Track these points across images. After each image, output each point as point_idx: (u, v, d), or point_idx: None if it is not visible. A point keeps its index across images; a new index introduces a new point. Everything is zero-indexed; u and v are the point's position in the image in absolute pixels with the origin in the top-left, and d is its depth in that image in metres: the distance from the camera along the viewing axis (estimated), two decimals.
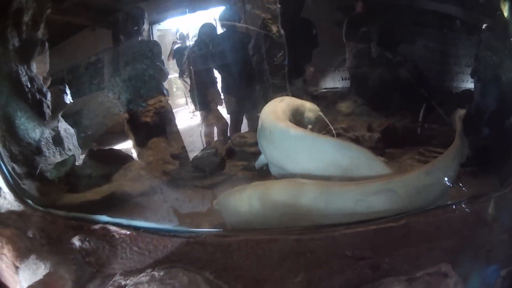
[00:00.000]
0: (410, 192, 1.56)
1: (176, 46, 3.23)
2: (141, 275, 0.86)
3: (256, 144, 2.15)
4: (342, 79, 3.27)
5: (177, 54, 3.18)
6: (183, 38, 3.21)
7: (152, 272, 0.85)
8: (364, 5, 2.87)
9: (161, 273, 0.84)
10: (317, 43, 2.85)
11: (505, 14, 2.21)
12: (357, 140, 2.41)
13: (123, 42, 2.60)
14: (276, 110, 1.86)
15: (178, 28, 3.23)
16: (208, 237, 1.38)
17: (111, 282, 1.01)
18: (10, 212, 1.79)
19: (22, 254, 1.43)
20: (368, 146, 2.40)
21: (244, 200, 1.55)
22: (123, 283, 0.91)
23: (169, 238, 1.41)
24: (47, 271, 1.30)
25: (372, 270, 1.15)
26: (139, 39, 2.60)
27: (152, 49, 2.55)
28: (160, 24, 3.19)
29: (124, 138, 2.63)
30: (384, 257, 1.25)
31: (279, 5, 2.60)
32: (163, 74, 2.62)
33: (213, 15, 2.90)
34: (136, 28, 2.58)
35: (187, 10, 2.89)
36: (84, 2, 2.86)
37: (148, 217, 1.73)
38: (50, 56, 2.50)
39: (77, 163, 2.31)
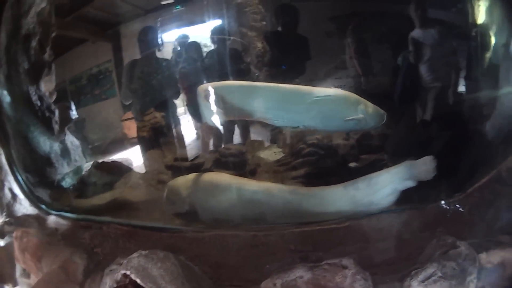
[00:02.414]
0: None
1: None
2: (134, 254, 1.54)
3: (241, 154, 2.92)
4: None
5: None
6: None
7: (141, 251, 1.51)
8: (356, 16, 3.06)
9: (147, 252, 1.50)
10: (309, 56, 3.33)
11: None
12: (329, 149, 2.96)
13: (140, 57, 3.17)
14: None
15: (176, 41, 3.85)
16: (187, 232, 2.03)
17: (113, 262, 1.69)
18: (26, 216, 2.35)
19: (43, 246, 1.99)
20: (342, 153, 2.94)
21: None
22: (121, 261, 1.57)
23: (158, 233, 2.06)
24: (64, 258, 1.90)
25: (301, 259, 1.65)
26: (155, 56, 3.15)
27: (163, 67, 3.15)
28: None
29: (125, 147, 3.20)
30: (319, 252, 1.75)
31: (264, 23, 3.25)
32: (174, 92, 3.22)
33: (206, 30, 3.47)
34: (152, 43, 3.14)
35: (184, 24, 3.51)
36: (86, 17, 3.31)
37: (143, 217, 2.35)
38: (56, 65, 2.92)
39: (83, 172, 2.90)
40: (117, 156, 3.14)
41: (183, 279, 1.43)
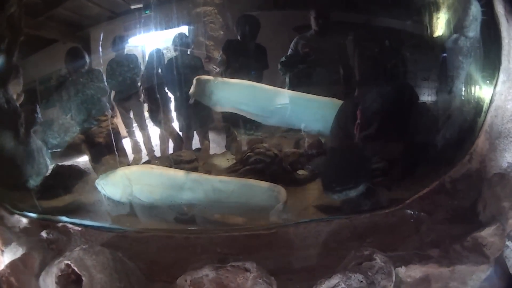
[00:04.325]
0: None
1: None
2: (76, 248, 2.17)
3: (192, 161, 3.49)
4: None
5: None
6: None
7: (83, 246, 2.13)
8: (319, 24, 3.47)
9: (86, 246, 2.12)
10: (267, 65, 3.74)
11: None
12: (275, 157, 3.42)
13: (71, 76, 3.63)
14: None
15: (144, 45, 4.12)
16: (130, 232, 2.59)
17: (61, 256, 2.31)
18: None
19: (6, 242, 2.44)
20: (290, 161, 3.43)
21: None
22: (68, 254, 2.19)
23: (106, 233, 2.61)
24: (23, 252, 2.34)
25: (219, 261, 1.97)
26: (83, 71, 3.60)
27: (97, 77, 3.60)
28: (128, 42, 3.98)
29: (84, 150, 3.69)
30: (240, 255, 2.13)
31: (221, 32, 3.70)
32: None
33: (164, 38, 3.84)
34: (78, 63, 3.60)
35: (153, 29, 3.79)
36: (57, 17, 3.71)
37: (94, 218, 2.86)
38: (23, 66, 3.29)
39: (46, 174, 3.35)
40: (76, 159, 3.70)
41: (112, 270, 2.03)
